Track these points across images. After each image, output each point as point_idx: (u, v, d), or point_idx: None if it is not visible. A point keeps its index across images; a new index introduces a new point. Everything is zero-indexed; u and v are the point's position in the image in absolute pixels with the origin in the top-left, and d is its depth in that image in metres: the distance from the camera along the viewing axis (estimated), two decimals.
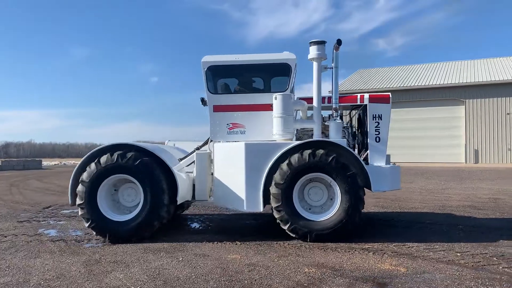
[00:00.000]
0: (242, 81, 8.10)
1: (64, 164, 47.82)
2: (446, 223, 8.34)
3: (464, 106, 33.88)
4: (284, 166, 6.75)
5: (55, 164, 45.63)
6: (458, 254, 5.92)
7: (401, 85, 35.49)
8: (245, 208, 7.03)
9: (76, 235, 7.49)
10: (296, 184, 6.76)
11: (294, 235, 6.75)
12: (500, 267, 5.28)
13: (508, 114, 32.75)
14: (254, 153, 7.02)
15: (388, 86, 35.36)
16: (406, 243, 6.50)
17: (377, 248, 6.30)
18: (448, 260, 5.61)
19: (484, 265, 5.38)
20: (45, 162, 46.34)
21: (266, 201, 6.93)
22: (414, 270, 5.17)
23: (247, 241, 6.84)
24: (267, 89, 7.94)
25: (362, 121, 8.15)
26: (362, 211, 6.81)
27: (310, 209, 6.95)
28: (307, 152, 6.70)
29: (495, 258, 5.67)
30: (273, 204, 6.78)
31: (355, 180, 6.65)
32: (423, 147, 33.72)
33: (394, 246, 6.40)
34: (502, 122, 32.93)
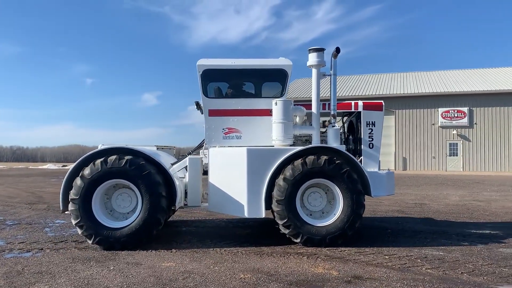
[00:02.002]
0: (238, 86, 7.99)
1: None
2: (376, 227, 8.73)
3: (394, 116, 35.83)
4: (298, 164, 6.74)
5: None
6: (386, 257, 6.20)
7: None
8: (246, 214, 6.93)
9: None
10: (303, 185, 6.79)
11: (286, 232, 6.77)
12: (424, 268, 5.60)
13: (433, 124, 35.10)
14: (256, 158, 6.95)
15: (323, 96, 36.51)
16: (339, 247, 6.70)
17: (311, 252, 6.45)
18: (377, 263, 5.86)
19: (410, 267, 5.68)
20: None
21: (268, 206, 6.91)
22: (345, 274, 5.35)
23: (183, 248, 6.72)
24: (263, 94, 7.88)
25: (353, 128, 8.31)
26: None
27: (312, 214, 7.02)
28: (310, 158, 6.75)
29: (419, 260, 6.01)
30: (276, 196, 6.75)
31: (357, 186, 6.77)
32: None
33: (327, 250, 6.57)
34: (428, 131, 35.23)
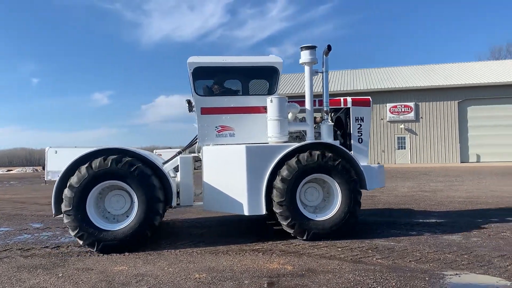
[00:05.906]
0: (229, 83, 7.91)
1: None
2: None
3: None
4: (292, 163, 6.77)
5: None
6: (339, 249, 6.36)
7: (295, 92, 37.33)
8: (246, 212, 6.88)
9: None
10: (301, 182, 6.84)
11: (291, 231, 6.83)
12: (374, 259, 5.78)
13: (382, 119, 36.34)
14: (255, 156, 6.91)
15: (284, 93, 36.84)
16: (293, 242, 6.79)
17: (266, 248, 6.49)
18: (330, 256, 5.99)
19: (361, 258, 5.84)
20: None
21: (268, 203, 6.88)
22: (300, 267, 5.42)
23: (136, 251, 6.56)
24: (254, 92, 7.86)
25: (342, 123, 8.41)
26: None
27: (306, 208, 7.07)
28: (304, 155, 6.81)
29: (370, 251, 6.20)
30: (276, 199, 6.74)
31: (355, 181, 6.91)
32: None
33: (282, 245, 6.65)
34: (378, 126, 36.43)
